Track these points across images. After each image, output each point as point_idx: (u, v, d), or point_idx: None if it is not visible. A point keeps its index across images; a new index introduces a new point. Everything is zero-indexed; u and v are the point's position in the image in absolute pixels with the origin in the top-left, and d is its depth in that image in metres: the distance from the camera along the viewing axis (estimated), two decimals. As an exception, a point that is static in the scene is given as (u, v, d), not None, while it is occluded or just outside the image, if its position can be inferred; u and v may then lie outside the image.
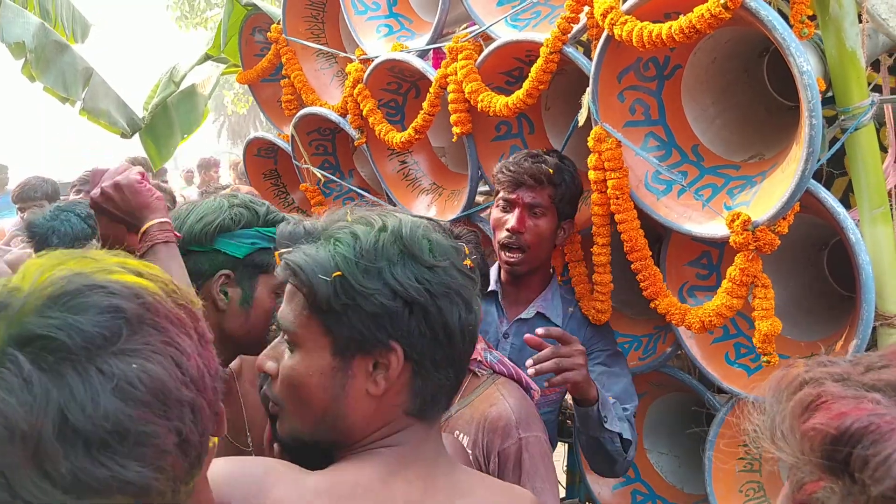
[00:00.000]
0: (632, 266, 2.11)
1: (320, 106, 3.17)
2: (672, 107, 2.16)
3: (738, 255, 1.92)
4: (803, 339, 2.24)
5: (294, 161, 3.43)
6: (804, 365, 0.78)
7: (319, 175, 3.29)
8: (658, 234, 2.29)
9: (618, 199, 2.09)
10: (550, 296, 2.23)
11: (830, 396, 0.70)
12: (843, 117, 2.02)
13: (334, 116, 3.06)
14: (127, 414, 0.63)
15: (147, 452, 0.64)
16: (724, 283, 1.95)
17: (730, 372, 2.24)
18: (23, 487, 0.58)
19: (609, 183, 2.09)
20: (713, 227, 1.98)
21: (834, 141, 2.05)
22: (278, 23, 3.33)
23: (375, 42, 2.90)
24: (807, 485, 0.71)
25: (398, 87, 2.90)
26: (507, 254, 2.12)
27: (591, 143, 2.11)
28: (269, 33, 3.36)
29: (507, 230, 2.09)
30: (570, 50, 2.17)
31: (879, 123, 2.51)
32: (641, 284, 2.10)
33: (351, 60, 2.98)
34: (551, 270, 2.31)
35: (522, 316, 2.20)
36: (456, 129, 2.50)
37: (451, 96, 2.47)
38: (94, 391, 0.62)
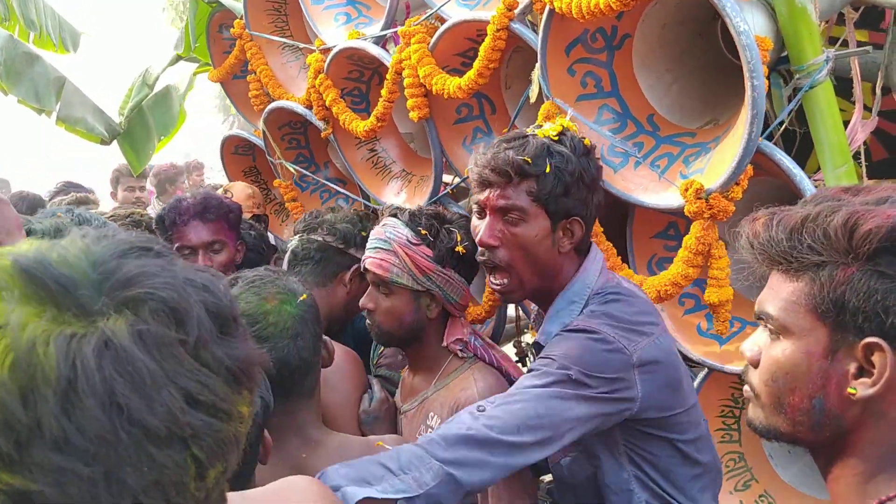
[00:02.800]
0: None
1: (287, 99, 3.15)
2: (625, 77, 2.12)
3: (693, 223, 1.88)
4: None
5: (268, 157, 3.41)
6: (803, 207, 1.01)
7: (293, 170, 3.27)
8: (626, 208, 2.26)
9: (574, 174, 2.05)
10: (557, 314, 1.69)
11: (863, 209, 0.95)
12: (798, 75, 1.96)
13: (301, 109, 3.04)
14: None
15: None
16: (681, 252, 1.92)
17: (701, 342, 2.20)
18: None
19: (565, 159, 2.05)
20: (670, 197, 1.94)
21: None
22: (241, 18, 3.30)
23: (335, 31, 2.86)
24: (839, 273, 0.95)
25: (360, 76, 2.87)
26: (491, 278, 1.72)
27: (541, 120, 2.07)
28: (232, 29, 3.33)
29: (478, 244, 1.70)
30: (517, 26, 2.13)
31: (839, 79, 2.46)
32: (600, 259, 2.06)
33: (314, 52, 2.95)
34: (585, 262, 1.75)
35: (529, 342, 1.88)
36: (413, 115, 2.47)
37: (406, 81, 2.44)
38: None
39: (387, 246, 1.91)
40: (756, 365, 1.08)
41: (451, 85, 2.30)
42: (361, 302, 1.98)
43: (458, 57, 2.43)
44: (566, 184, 1.61)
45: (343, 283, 2.26)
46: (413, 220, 1.94)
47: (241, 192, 3.23)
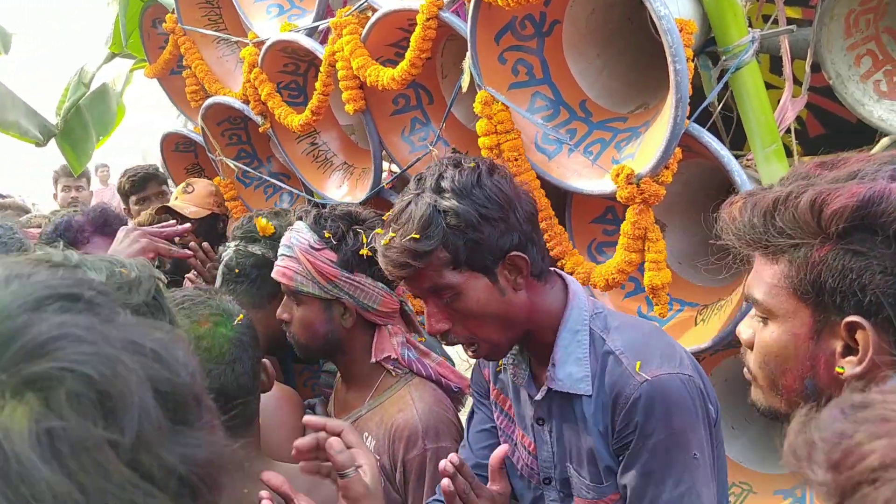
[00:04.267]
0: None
1: (224, 94, 3.09)
2: (556, 64, 2.11)
3: (627, 209, 1.89)
4: (709, 285, 2.22)
5: (209, 154, 3.35)
6: (776, 188, 1.00)
7: (234, 166, 3.22)
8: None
9: (516, 160, 2.04)
10: (564, 347, 1.46)
11: (829, 188, 0.92)
12: (724, 57, 1.98)
13: (238, 104, 2.99)
14: None
15: None
16: (620, 240, 1.92)
17: (643, 325, 2.22)
18: None
19: (504, 146, 2.04)
20: (604, 182, 1.95)
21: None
22: (173, 12, 3.23)
23: (267, 23, 2.82)
24: (814, 254, 0.93)
25: (296, 68, 2.83)
26: (468, 352, 1.52)
27: (477, 109, 2.06)
28: (164, 24, 3.26)
29: (430, 334, 1.52)
30: (446, 15, 2.11)
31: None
32: (548, 245, 2.07)
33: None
34: (562, 289, 1.53)
35: (537, 398, 1.51)
36: (349, 107, 2.44)
37: (340, 73, 2.41)
38: None
39: (290, 252, 1.78)
40: (752, 347, 1.08)
41: (385, 76, 2.28)
42: (278, 313, 1.86)
43: (392, 47, 2.40)
44: (473, 237, 1.36)
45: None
46: (317, 222, 1.80)
47: (203, 188, 3.12)
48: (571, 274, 2.03)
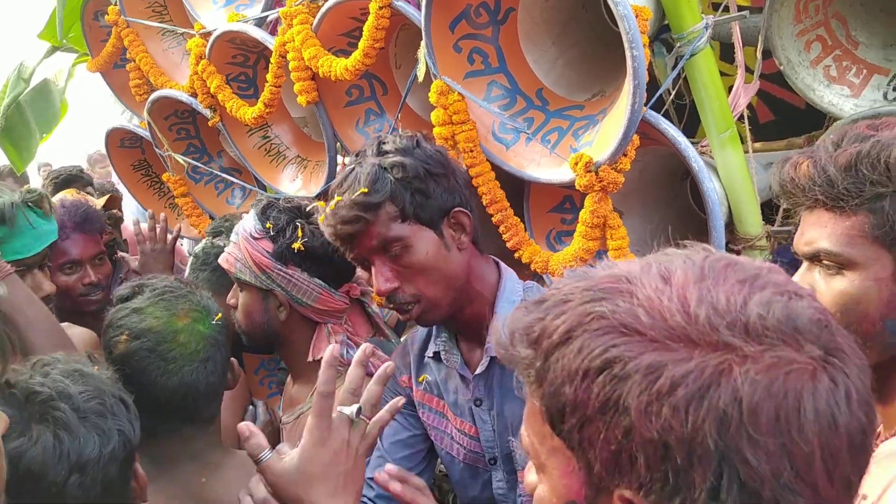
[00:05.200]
0: (493, 218, 2.05)
1: (171, 87, 3.00)
2: (511, 52, 2.09)
3: (586, 197, 1.88)
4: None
5: (156, 149, 3.26)
6: (844, 147, 1.08)
7: (182, 161, 3.13)
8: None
9: (471, 151, 2.02)
10: (501, 316, 1.48)
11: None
12: (679, 44, 1.98)
13: (185, 97, 2.90)
14: None
15: None
16: (578, 227, 1.91)
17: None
18: None
19: (459, 137, 2.02)
20: (562, 171, 1.93)
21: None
22: (116, 4, 3.12)
23: (214, 14, 2.74)
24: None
25: (245, 60, 2.75)
26: (402, 315, 1.54)
27: (432, 98, 2.03)
28: (106, 16, 3.15)
29: (378, 296, 1.52)
30: (399, 3, 2.07)
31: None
32: (504, 236, 2.05)
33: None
34: (495, 266, 1.61)
35: (478, 371, 1.54)
36: (301, 99, 2.39)
37: (291, 64, 2.36)
38: None
39: (235, 238, 1.82)
40: None
41: (338, 67, 2.23)
42: (227, 297, 1.88)
43: (344, 37, 2.36)
44: (420, 187, 1.45)
45: None
46: (264, 212, 1.81)
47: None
48: (529, 264, 2.02)
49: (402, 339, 1.99)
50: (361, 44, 2.15)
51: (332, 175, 2.56)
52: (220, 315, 1.53)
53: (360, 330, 1.88)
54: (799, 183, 1.12)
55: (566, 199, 2.27)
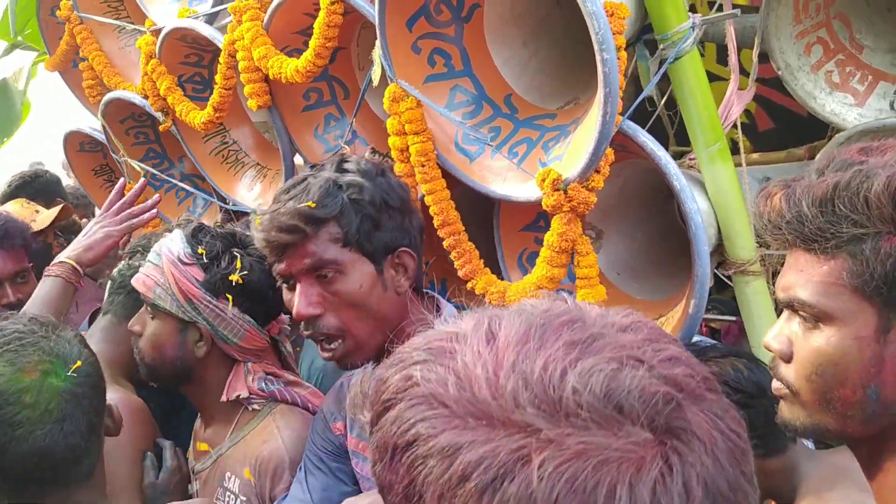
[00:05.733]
0: (444, 243, 1.84)
1: (124, 89, 2.80)
2: (478, 54, 1.88)
3: (553, 218, 1.67)
4: (651, 298, 2.02)
5: (112, 154, 3.05)
6: (824, 176, 0.91)
7: (138, 168, 2.92)
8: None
9: (423, 166, 1.81)
10: None
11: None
12: (662, 45, 1.77)
13: (138, 99, 2.70)
14: None
15: None
16: (543, 252, 1.70)
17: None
18: None
19: (412, 149, 1.81)
20: (529, 188, 1.72)
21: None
22: (69, -1, 2.92)
23: (166, 8, 2.54)
24: (884, 244, 0.85)
25: (199, 59, 2.55)
26: (324, 352, 1.40)
27: (386, 105, 1.82)
28: (59, 11, 2.95)
29: (296, 319, 1.38)
30: (353, -2, 1.86)
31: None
32: (456, 264, 1.83)
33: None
34: (435, 308, 1.51)
35: None
36: (252, 103, 2.18)
37: (241, 65, 2.15)
38: None
39: (157, 260, 1.63)
40: (788, 359, 0.97)
41: (289, 68, 2.02)
42: (130, 324, 1.70)
43: (300, 35, 2.14)
44: (371, 215, 1.34)
45: None
46: (195, 235, 1.64)
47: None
48: (484, 294, 1.81)
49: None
50: (312, 43, 1.94)
51: (288, 186, 2.35)
52: (78, 363, 1.30)
53: (258, 368, 1.69)
54: (769, 218, 0.96)
55: (540, 217, 2.05)
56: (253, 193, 2.57)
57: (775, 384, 1.03)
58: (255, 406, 1.63)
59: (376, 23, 1.79)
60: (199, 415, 1.77)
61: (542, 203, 1.63)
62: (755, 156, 2.58)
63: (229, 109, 2.33)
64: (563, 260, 1.68)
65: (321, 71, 2.03)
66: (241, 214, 2.61)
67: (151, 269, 1.62)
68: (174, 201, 3.10)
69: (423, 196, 1.83)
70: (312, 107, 2.30)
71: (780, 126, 2.83)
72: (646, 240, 2.10)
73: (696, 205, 1.61)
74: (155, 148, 3.07)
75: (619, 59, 1.53)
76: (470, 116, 1.86)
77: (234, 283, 1.58)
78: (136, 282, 1.63)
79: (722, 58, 2.63)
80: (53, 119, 3.66)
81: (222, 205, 2.68)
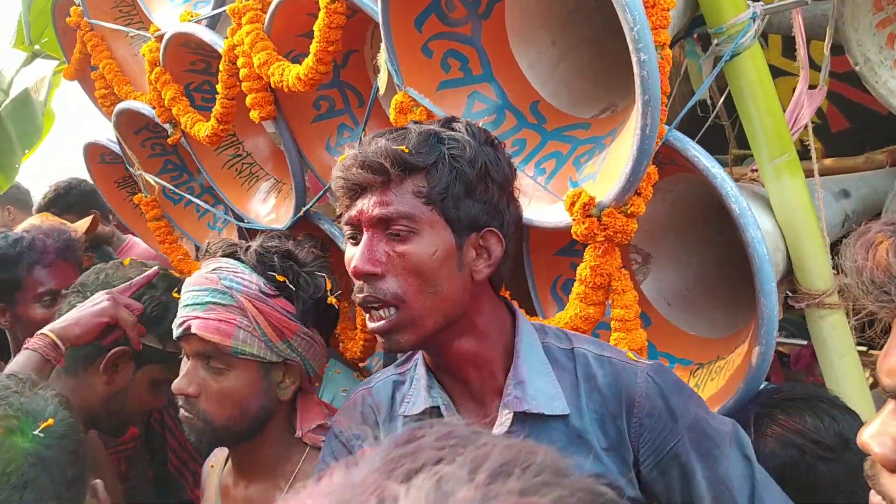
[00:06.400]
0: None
1: (135, 98, 2.63)
2: (499, 55, 1.63)
3: (587, 248, 1.41)
4: (707, 335, 1.73)
5: (128, 168, 2.89)
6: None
7: (153, 182, 2.76)
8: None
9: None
10: (526, 361, 1.18)
11: None
12: (716, 41, 1.49)
13: (147, 109, 2.53)
14: None
15: None
16: (576, 287, 1.45)
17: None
18: None
19: (425, 167, 1.57)
20: (558, 212, 1.47)
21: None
22: (79, 5, 2.77)
23: (170, 12, 2.35)
24: None
25: (207, 67, 2.35)
26: (371, 321, 1.16)
27: (392, 117, 1.59)
28: (69, 18, 2.80)
29: (352, 274, 1.16)
30: (356, -5, 1.63)
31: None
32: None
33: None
34: (506, 307, 1.26)
35: (496, 431, 1.17)
36: (254, 114, 1.97)
37: (242, 72, 1.94)
38: None
39: (226, 300, 1.35)
40: (894, 468, 0.77)
41: (290, 76, 1.80)
42: (178, 386, 1.38)
43: (304, 38, 1.92)
44: (467, 179, 1.12)
45: (101, 372, 1.64)
46: (263, 260, 1.39)
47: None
48: None
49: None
50: (313, 47, 1.72)
51: (299, 205, 2.14)
52: (50, 422, 1.11)
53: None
54: (872, 277, 0.75)
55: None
56: (267, 207, 2.37)
57: (874, 499, 0.80)
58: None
59: (380, 22, 1.55)
60: (230, 475, 1.50)
61: (572, 231, 1.38)
62: (828, 161, 2.27)
63: (235, 120, 2.13)
64: (600, 297, 1.42)
65: (327, 78, 1.80)
66: (254, 232, 2.41)
67: (223, 311, 1.34)
68: (194, 215, 2.93)
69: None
70: (324, 116, 2.08)
71: (857, 126, 2.52)
72: (701, 265, 1.82)
73: (759, 233, 1.33)
74: (172, 160, 2.90)
75: (662, 58, 1.26)
76: (491, 127, 1.61)
77: (323, 308, 1.41)
78: (206, 330, 1.33)
79: (788, 50, 2.32)
80: (73, 127, 3.54)
81: (238, 223, 2.48)
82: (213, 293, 1.35)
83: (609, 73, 1.61)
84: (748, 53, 1.48)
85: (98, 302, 1.59)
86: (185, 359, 1.39)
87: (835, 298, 1.60)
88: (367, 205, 1.11)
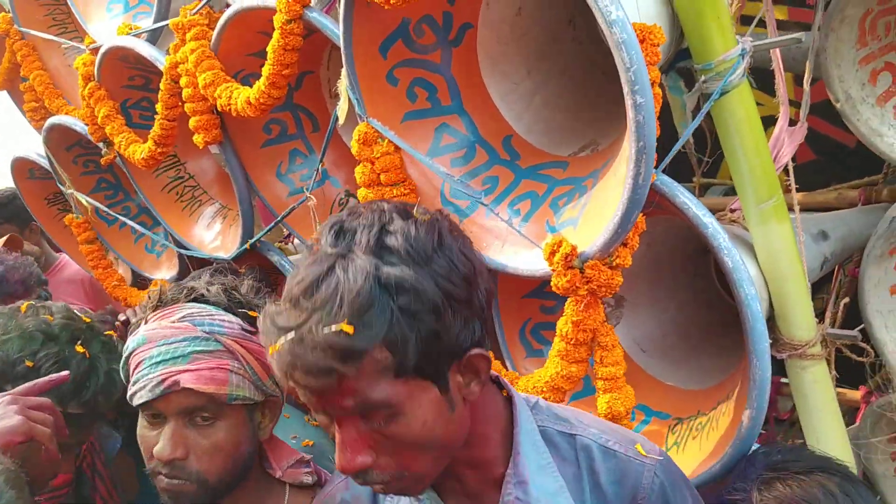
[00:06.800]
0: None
1: (67, 113, 2.43)
2: (470, 85, 1.51)
3: (567, 301, 1.29)
4: (686, 385, 1.63)
5: (59, 186, 2.68)
6: None
7: (85, 202, 2.55)
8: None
9: (402, 226, 1.43)
10: (527, 456, 1.08)
11: None
12: (703, 77, 1.39)
13: (80, 126, 2.33)
14: None
15: None
16: (556, 344, 1.32)
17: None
18: None
19: (388, 205, 1.43)
20: (534, 259, 1.35)
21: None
22: (9, 11, 2.56)
23: (108, 23, 2.17)
24: None
25: (147, 83, 2.18)
26: (378, 488, 1.04)
27: (355, 149, 1.45)
28: (-1, 25, 2.59)
29: (341, 471, 1.00)
30: (313, 15, 1.49)
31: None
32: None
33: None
34: (498, 389, 1.14)
35: None
36: (198, 138, 1.81)
37: (185, 92, 1.78)
38: None
39: (211, 346, 1.23)
40: None
41: (240, 99, 1.65)
42: (163, 453, 1.22)
43: (255, 58, 1.77)
44: (433, 327, 0.92)
45: None
46: (231, 297, 1.30)
47: None
48: None
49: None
50: (266, 70, 1.57)
51: (248, 234, 1.98)
52: None
53: None
54: None
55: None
56: (211, 233, 2.20)
57: None
58: (307, 478, 1.33)
59: (342, 47, 1.41)
60: None
61: (552, 283, 1.26)
62: (799, 196, 2.21)
63: (177, 141, 1.96)
64: (582, 354, 1.30)
65: (280, 102, 1.65)
66: (197, 260, 2.24)
67: (211, 359, 1.22)
68: (130, 238, 2.72)
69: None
70: (275, 141, 1.93)
71: (823, 158, 2.47)
72: (678, 309, 1.72)
73: (753, 289, 1.23)
74: (107, 178, 2.70)
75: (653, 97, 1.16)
76: (460, 163, 1.49)
77: None
78: (199, 381, 1.21)
79: (762, 83, 2.26)
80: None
81: (179, 250, 2.30)
82: (195, 342, 1.23)
83: (589, 107, 1.50)
84: (736, 92, 1.38)
85: (3, 416, 1.38)
86: (145, 421, 1.23)
87: (817, 349, 1.51)
88: (331, 399, 0.93)
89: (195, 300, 1.28)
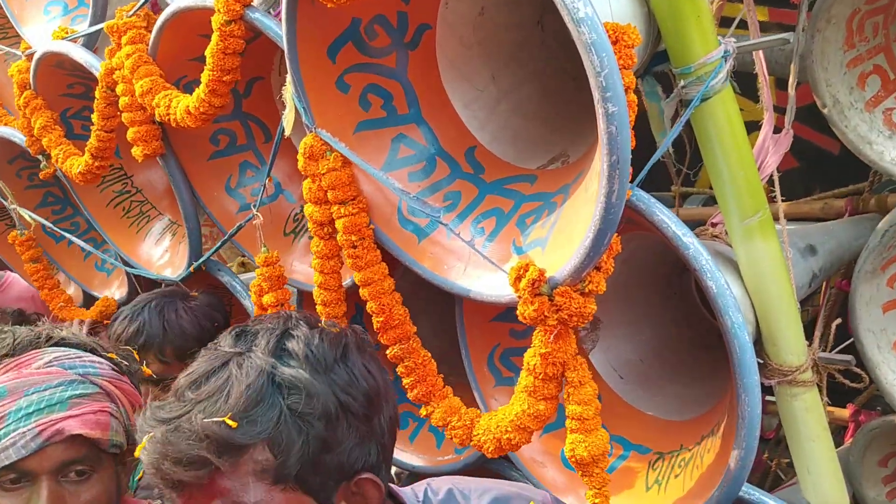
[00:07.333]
0: (387, 352, 1.33)
1: (8, 124, 2.28)
2: (429, 92, 1.38)
3: (535, 331, 1.16)
4: (667, 416, 1.51)
5: (1, 200, 2.52)
6: None
7: (29, 218, 2.39)
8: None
9: (354, 247, 1.30)
10: None
11: None
12: (682, 82, 1.27)
13: (20, 137, 2.17)
14: None
15: None
16: (522, 378, 1.20)
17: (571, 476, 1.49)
18: None
19: (338, 223, 1.30)
20: (499, 283, 1.22)
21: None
22: (-58, 13, 2.39)
23: (45, 27, 2.02)
24: None
25: (87, 91, 2.02)
26: None
27: (301, 164, 1.32)
28: (-72, 28, 2.42)
29: None
30: (256, 16, 1.36)
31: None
32: (405, 381, 1.33)
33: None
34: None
35: None
36: (136, 151, 1.66)
37: (122, 101, 1.64)
38: None
39: (89, 389, 1.14)
40: None
41: (179, 108, 1.51)
42: None
43: (197, 63, 1.63)
44: (323, 435, 0.88)
45: None
46: (93, 340, 1.26)
47: None
48: (444, 427, 1.30)
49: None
50: (205, 76, 1.43)
51: (195, 254, 1.84)
52: None
53: None
54: None
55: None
56: (159, 249, 2.06)
57: None
58: None
59: (286, 50, 1.28)
60: None
61: (518, 312, 1.13)
62: (783, 206, 2.11)
63: (113, 155, 1.82)
64: (552, 390, 1.17)
65: (226, 110, 1.52)
66: (145, 280, 2.10)
67: (90, 403, 1.12)
68: (79, 255, 2.57)
69: (356, 285, 1.33)
70: (223, 153, 1.80)
71: (806, 166, 2.38)
72: (657, 332, 1.60)
73: (740, 316, 1.12)
74: (54, 191, 2.55)
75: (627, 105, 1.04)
76: (419, 177, 1.36)
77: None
78: (87, 427, 1.10)
79: (743, 87, 2.16)
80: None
81: (126, 268, 2.15)
82: (72, 385, 1.13)
83: (559, 116, 1.37)
84: (718, 98, 1.26)
85: None
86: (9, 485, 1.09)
87: (808, 375, 1.40)
88: (197, 499, 0.86)
89: (56, 345, 1.19)
